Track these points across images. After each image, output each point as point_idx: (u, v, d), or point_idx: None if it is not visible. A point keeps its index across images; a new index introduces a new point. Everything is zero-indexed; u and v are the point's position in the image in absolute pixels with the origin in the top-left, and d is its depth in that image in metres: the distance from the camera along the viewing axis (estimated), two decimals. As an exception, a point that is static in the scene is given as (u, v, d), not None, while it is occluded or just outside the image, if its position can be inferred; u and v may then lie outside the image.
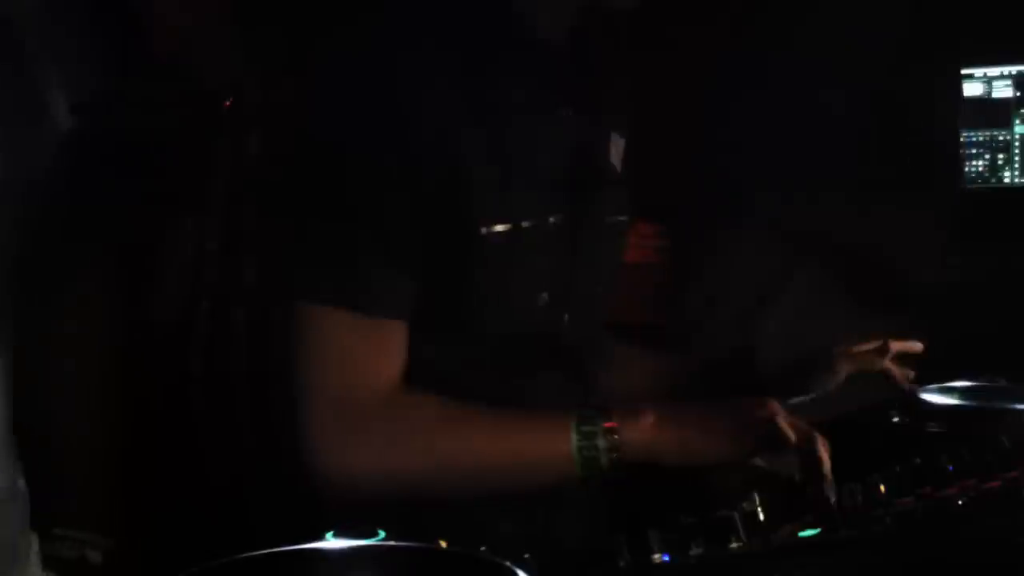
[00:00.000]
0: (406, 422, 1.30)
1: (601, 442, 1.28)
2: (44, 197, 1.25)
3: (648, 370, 1.67)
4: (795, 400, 1.55)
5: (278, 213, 1.47)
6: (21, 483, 1.25)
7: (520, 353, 1.38)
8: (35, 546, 1.31)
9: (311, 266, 1.30)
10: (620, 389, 1.56)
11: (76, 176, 1.32)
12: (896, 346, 1.67)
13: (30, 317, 1.34)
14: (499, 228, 1.31)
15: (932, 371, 1.71)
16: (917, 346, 1.69)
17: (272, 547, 0.89)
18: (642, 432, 1.29)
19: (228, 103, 1.90)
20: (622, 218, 1.53)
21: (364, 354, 1.28)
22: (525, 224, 1.33)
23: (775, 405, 1.30)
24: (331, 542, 0.93)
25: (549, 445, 1.30)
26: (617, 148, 1.52)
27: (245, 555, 0.87)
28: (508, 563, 0.89)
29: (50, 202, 1.27)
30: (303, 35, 1.85)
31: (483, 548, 1.00)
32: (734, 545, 1.11)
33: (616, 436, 1.28)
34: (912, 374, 1.69)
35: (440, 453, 1.30)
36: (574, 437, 1.28)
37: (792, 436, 1.27)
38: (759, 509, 1.15)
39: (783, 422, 1.27)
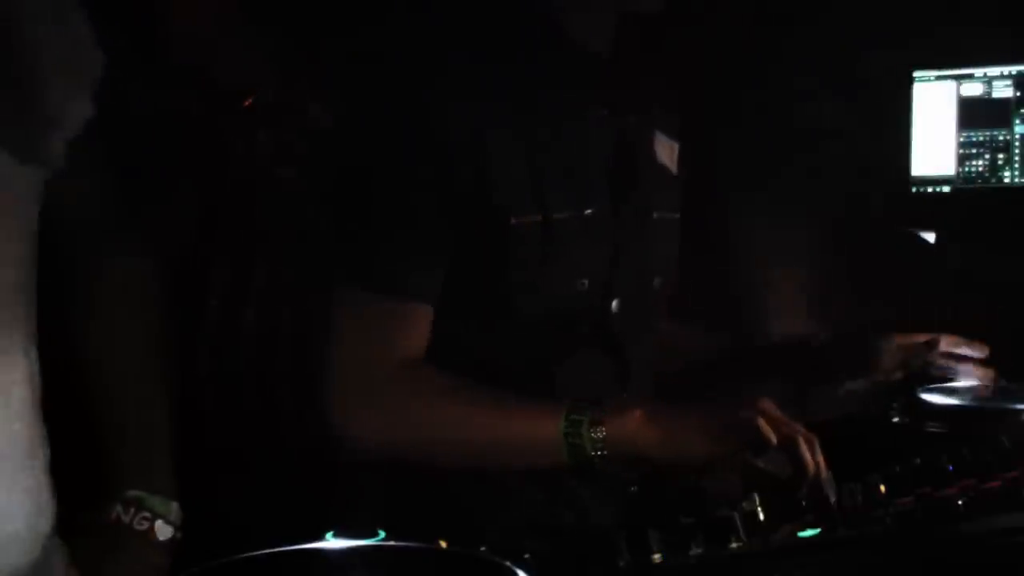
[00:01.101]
0: (414, 394, 1.38)
1: (586, 431, 1.32)
2: (52, 198, 1.26)
3: (697, 354, 1.71)
4: (851, 385, 1.57)
5: (311, 206, 1.56)
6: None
7: (563, 333, 1.44)
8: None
9: (346, 253, 1.40)
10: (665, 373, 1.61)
11: (82, 177, 1.33)
12: (948, 342, 1.66)
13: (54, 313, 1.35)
14: (530, 219, 1.38)
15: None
16: (979, 349, 1.68)
17: (272, 547, 0.89)
18: (627, 426, 1.33)
19: (248, 103, 1.91)
20: (674, 215, 1.59)
21: (389, 332, 1.38)
22: (558, 216, 1.39)
23: (766, 405, 1.31)
24: (331, 542, 0.93)
25: (538, 428, 1.35)
26: (668, 150, 1.58)
27: (245, 555, 0.87)
28: (508, 563, 0.89)
29: (57, 203, 1.28)
30: (330, 37, 1.86)
31: (483, 548, 1.00)
32: (734, 545, 1.11)
33: (601, 428, 1.32)
34: (991, 376, 1.67)
35: (440, 424, 1.37)
36: (562, 424, 1.33)
37: (772, 437, 1.28)
38: (759, 509, 1.15)
39: (764, 423, 1.29)
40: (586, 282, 1.43)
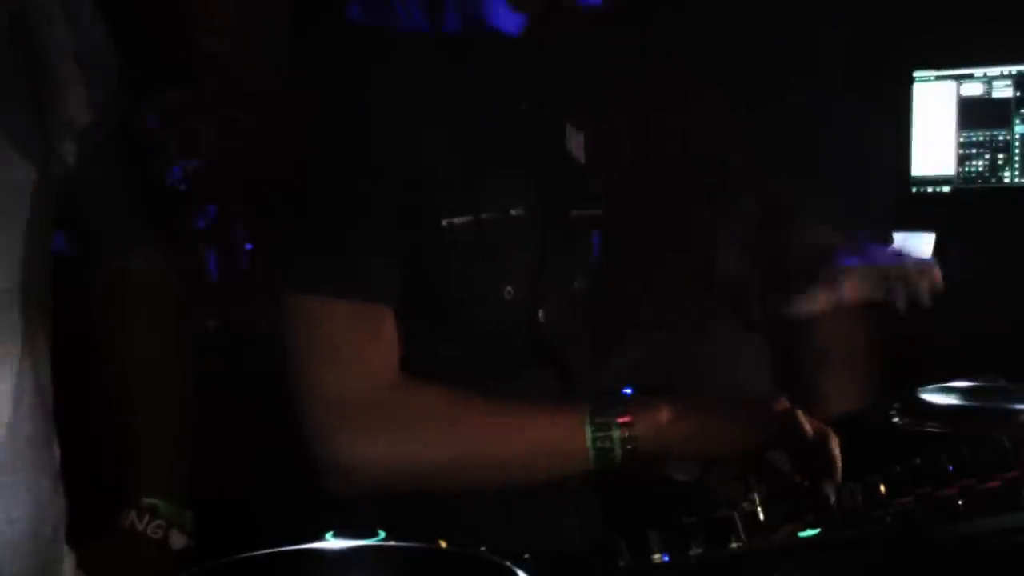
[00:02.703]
0: (412, 411, 1.28)
1: (616, 434, 1.25)
2: (72, 199, 1.27)
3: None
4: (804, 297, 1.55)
5: (264, 207, 1.46)
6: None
7: (496, 350, 1.37)
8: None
9: (299, 256, 1.28)
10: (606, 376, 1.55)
11: (100, 178, 1.34)
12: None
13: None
14: (459, 220, 1.30)
15: (932, 371, 1.71)
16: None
17: (272, 547, 0.89)
18: (657, 425, 1.27)
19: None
20: (590, 211, 1.52)
21: (358, 342, 1.26)
22: (484, 216, 1.32)
23: (787, 402, 1.30)
24: (331, 542, 0.93)
25: (563, 437, 1.28)
26: (576, 141, 1.51)
27: (245, 555, 0.88)
28: (508, 563, 0.89)
29: (77, 204, 1.28)
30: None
31: (483, 548, 1.00)
32: (734, 545, 1.11)
33: (631, 430, 1.26)
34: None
35: (449, 443, 1.27)
36: (588, 429, 1.26)
37: (810, 431, 1.26)
38: (759, 509, 1.15)
39: (803, 417, 1.27)
40: (511, 289, 1.36)
